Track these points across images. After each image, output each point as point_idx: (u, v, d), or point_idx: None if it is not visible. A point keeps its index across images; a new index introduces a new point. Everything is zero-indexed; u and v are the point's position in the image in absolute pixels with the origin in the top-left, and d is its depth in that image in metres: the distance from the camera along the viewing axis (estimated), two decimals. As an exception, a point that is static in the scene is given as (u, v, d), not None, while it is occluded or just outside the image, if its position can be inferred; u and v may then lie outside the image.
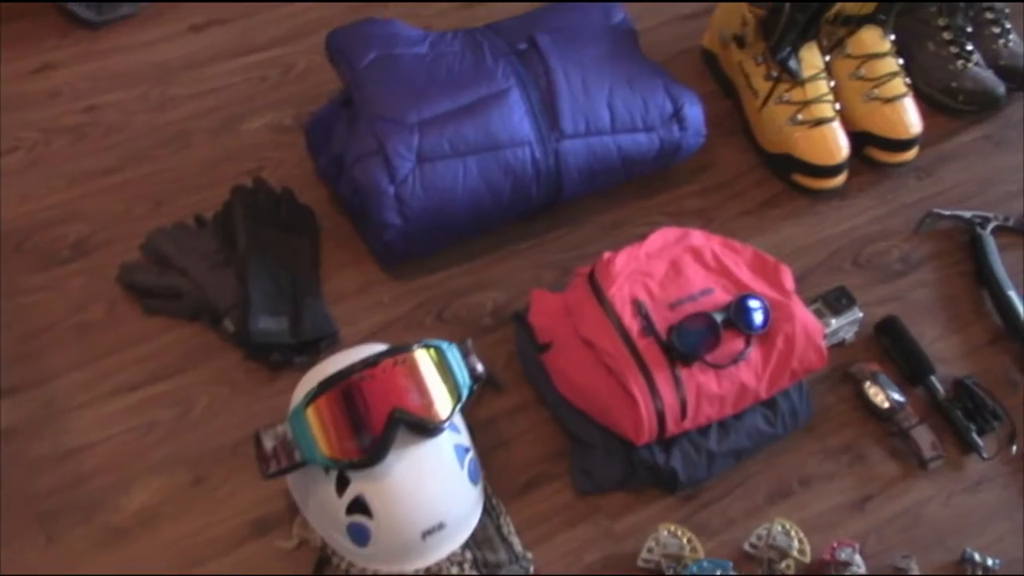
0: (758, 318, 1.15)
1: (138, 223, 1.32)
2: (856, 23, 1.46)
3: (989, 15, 1.61)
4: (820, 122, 1.42)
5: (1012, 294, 1.35)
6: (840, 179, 1.45)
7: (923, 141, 1.51)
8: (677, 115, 1.34)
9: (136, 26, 1.57)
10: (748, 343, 1.14)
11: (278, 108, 1.46)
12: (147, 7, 1.58)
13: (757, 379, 1.14)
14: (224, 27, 1.57)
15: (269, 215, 1.29)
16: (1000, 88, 1.57)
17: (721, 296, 1.17)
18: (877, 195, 1.48)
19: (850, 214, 1.45)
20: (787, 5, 1.35)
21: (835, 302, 1.30)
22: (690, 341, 1.12)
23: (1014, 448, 1.24)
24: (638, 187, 1.42)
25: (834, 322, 1.28)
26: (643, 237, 1.24)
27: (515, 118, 1.26)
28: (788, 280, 1.21)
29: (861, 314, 1.30)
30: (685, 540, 1.08)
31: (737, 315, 1.14)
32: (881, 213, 1.46)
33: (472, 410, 1.18)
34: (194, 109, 1.47)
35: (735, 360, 1.13)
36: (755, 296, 1.16)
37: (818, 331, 1.18)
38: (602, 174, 1.33)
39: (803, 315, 1.18)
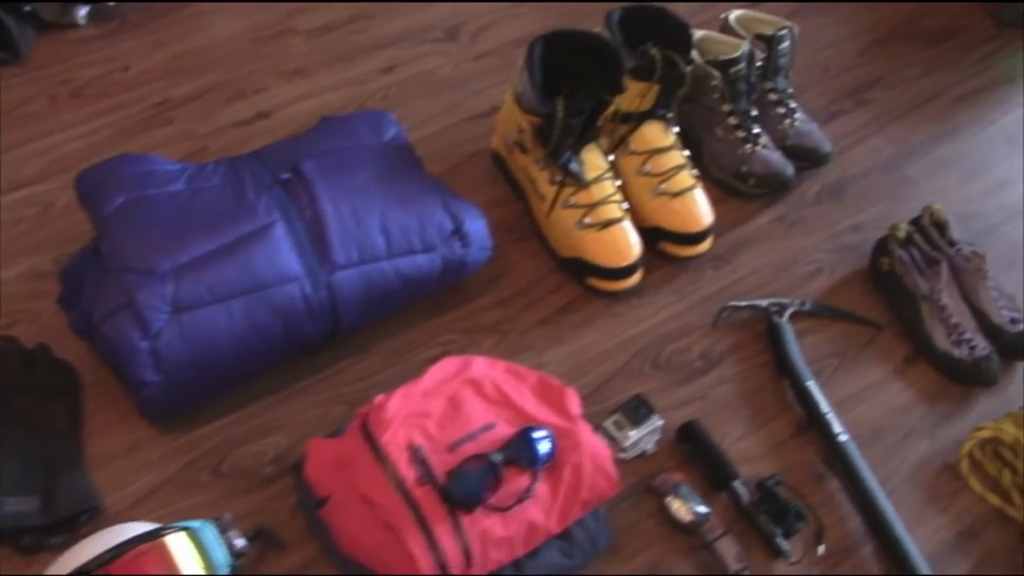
0: (543, 450, 1.10)
1: None
2: (636, 119, 1.44)
3: (773, 96, 1.62)
4: (608, 224, 1.39)
5: (810, 384, 1.34)
6: (635, 279, 1.42)
7: (718, 229, 1.50)
8: (458, 232, 1.29)
9: None
10: (534, 479, 1.09)
11: (36, 253, 1.34)
12: None
13: (547, 514, 1.09)
14: (-27, 167, 1.45)
15: (19, 379, 1.19)
16: (789, 169, 1.57)
17: (503, 430, 1.11)
18: (675, 289, 1.46)
19: (649, 312, 1.43)
20: (559, 112, 1.31)
21: (634, 412, 1.27)
22: (469, 486, 1.06)
23: (820, 548, 1.22)
24: (429, 305, 1.36)
25: (633, 434, 1.25)
26: (435, 360, 1.18)
27: (281, 254, 1.19)
28: (574, 404, 1.17)
29: (661, 422, 1.27)
30: None
31: (519, 450, 1.09)
32: (680, 308, 1.44)
33: (254, 571, 1.10)
34: (-58, 262, 1.34)
35: (520, 499, 1.07)
36: (538, 427, 1.11)
37: (606, 456, 1.14)
38: (383, 301, 1.26)
39: (590, 441, 1.14)
